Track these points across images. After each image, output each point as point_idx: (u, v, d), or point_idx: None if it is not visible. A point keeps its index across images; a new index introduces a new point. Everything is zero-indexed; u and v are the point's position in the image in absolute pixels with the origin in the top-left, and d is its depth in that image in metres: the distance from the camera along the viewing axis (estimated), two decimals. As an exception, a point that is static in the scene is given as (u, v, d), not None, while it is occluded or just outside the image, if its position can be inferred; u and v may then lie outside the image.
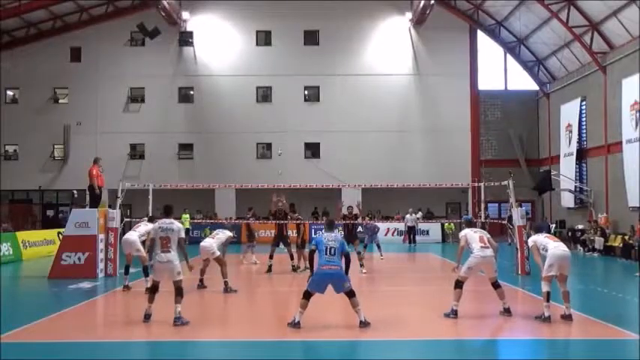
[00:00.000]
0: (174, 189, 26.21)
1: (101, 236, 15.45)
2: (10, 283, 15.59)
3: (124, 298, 12.67)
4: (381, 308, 11.02)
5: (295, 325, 8.82)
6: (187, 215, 26.77)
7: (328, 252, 9.03)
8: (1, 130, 32.79)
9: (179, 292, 9.18)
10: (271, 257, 16.24)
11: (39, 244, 22.21)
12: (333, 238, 9.25)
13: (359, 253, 16.17)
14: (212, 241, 12.89)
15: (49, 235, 23.44)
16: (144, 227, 13.40)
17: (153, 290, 9.39)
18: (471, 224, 10.82)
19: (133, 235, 13.19)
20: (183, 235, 9.43)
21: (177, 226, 9.39)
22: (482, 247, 9.94)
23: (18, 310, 10.99)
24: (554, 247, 9.63)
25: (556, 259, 9.49)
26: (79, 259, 15.14)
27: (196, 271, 11.82)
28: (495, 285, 10.11)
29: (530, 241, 10.13)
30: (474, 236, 10.15)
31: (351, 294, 9.02)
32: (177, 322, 9.01)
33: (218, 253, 12.74)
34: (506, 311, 9.97)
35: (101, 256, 15.36)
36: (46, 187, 33.26)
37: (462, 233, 10.39)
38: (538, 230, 10.54)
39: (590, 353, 7.89)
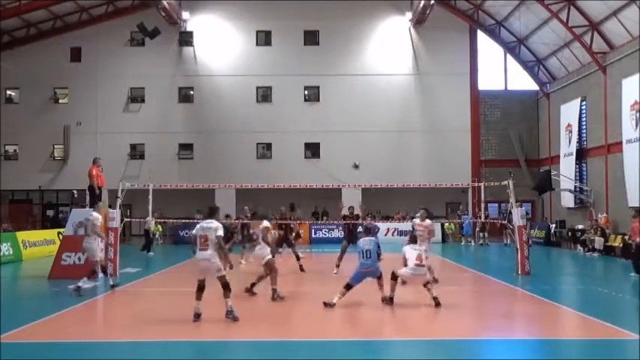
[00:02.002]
0: (174, 189, 26.24)
1: (101, 236, 15.42)
2: (10, 283, 15.58)
3: (125, 298, 12.66)
4: (381, 308, 11.01)
5: (331, 305, 10.50)
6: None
7: (364, 255, 10.95)
8: (1, 130, 32.79)
9: (226, 287, 9.52)
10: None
11: (39, 244, 22.20)
12: (367, 242, 11.08)
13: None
14: (260, 246, 12.05)
15: (49, 235, 23.44)
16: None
17: (199, 289, 9.64)
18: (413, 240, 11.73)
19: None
20: (220, 233, 9.60)
21: (216, 225, 9.60)
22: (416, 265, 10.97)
23: (18, 310, 10.99)
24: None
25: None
26: (79, 259, 15.12)
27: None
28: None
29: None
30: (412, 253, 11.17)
31: (379, 277, 11.11)
32: (228, 316, 9.43)
33: (269, 257, 12.02)
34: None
35: (101, 255, 15.32)
36: (46, 187, 33.26)
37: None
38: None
39: (590, 353, 7.88)
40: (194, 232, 9.74)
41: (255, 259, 12.12)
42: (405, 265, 11.05)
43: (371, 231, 11.60)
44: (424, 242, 12.73)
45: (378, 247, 11.16)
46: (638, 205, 22.56)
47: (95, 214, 13.39)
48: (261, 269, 12.15)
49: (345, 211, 16.82)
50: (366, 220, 17.76)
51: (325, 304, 10.54)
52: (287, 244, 16.62)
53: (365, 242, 11.14)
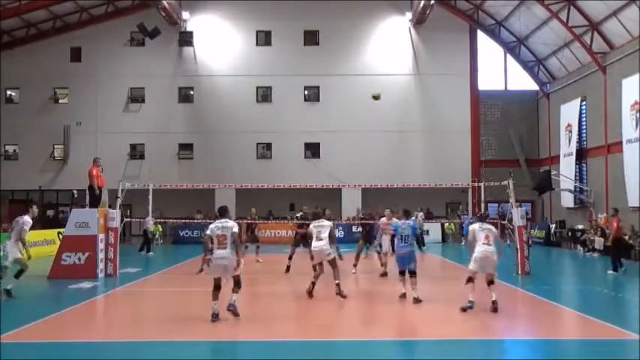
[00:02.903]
0: (174, 189, 26.24)
1: (101, 236, 15.43)
2: (10, 283, 15.54)
3: (124, 298, 12.67)
4: (382, 308, 11.03)
5: (403, 296, 11.14)
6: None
7: (403, 240, 11.22)
8: (1, 130, 32.78)
9: (237, 284, 9.60)
10: (290, 258, 16.27)
11: (39, 244, 22.18)
12: (406, 225, 11.35)
13: (378, 252, 16.28)
14: (323, 243, 11.65)
15: (49, 235, 23.42)
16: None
17: (216, 288, 9.61)
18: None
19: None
20: (236, 230, 9.77)
21: (232, 223, 9.82)
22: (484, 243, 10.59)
23: (18, 310, 10.98)
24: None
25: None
26: (79, 259, 15.11)
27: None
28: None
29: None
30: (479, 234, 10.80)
31: (412, 274, 11.09)
32: (230, 308, 9.39)
33: (333, 255, 11.81)
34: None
35: (101, 256, 15.34)
36: (46, 187, 33.25)
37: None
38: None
39: (590, 353, 7.88)
40: (209, 232, 9.78)
41: (317, 255, 11.76)
42: (472, 245, 10.77)
43: (409, 213, 11.98)
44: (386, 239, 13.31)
45: (415, 230, 11.62)
46: (638, 205, 22.61)
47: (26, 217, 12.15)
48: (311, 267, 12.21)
49: (360, 214, 17.21)
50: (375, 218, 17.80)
51: (400, 297, 11.19)
52: (304, 244, 16.67)
53: (403, 226, 11.37)
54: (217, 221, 9.95)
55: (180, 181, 29.23)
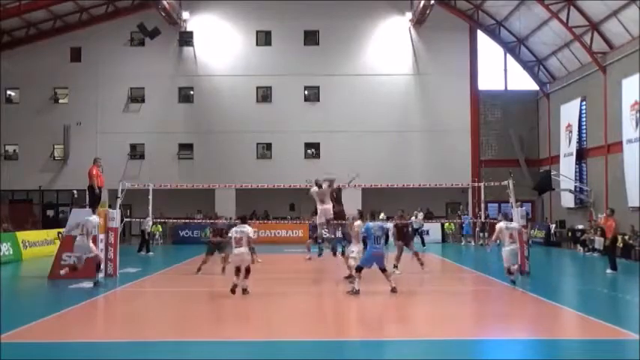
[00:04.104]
0: (174, 189, 26.22)
1: (101, 236, 15.40)
2: (10, 283, 15.59)
3: (124, 298, 12.68)
4: (382, 308, 11.04)
5: (356, 292, 11.69)
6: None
7: (377, 240, 11.92)
8: (1, 130, 32.78)
9: (248, 272, 12.24)
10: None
11: (39, 244, 22.20)
12: (377, 227, 12.07)
13: (415, 252, 16.83)
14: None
15: (49, 235, 23.43)
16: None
17: (237, 271, 12.13)
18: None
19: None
20: (252, 235, 12.39)
21: (248, 228, 12.40)
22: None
23: (18, 310, 10.99)
24: None
25: None
26: (79, 259, 15.08)
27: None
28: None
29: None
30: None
31: (384, 270, 12.14)
32: (245, 292, 12.00)
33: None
34: None
35: (101, 256, 15.32)
36: (46, 187, 33.25)
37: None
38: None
39: (590, 353, 7.88)
40: (231, 234, 12.50)
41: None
42: (496, 241, 13.43)
43: (374, 215, 12.75)
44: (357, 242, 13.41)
45: (383, 229, 12.30)
46: (638, 205, 22.61)
47: (95, 217, 14.03)
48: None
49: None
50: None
51: (349, 293, 11.79)
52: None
53: (375, 227, 12.03)
54: (237, 226, 12.55)
55: (180, 181, 29.20)
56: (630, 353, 7.76)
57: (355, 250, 13.14)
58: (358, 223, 13.45)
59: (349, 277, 13.37)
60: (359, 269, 12.09)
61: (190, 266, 17.76)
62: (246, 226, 12.49)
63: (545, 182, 27.87)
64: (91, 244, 13.74)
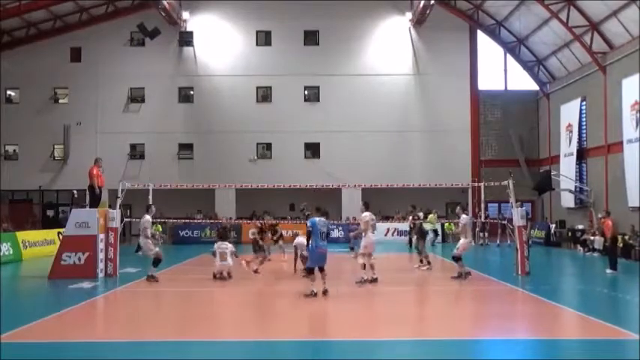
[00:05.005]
0: (175, 189, 26.23)
1: (101, 236, 15.43)
2: (10, 283, 15.58)
3: (125, 298, 12.68)
4: (382, 308, 11.03)
5: (314, 295, 11.29)
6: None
7: (322, 237, 11.43)
8: (1, 130, 32.78)
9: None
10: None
11: (39, 244, 22.19)
12: (323, 223, 11.64)
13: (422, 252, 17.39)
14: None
15: (49, 235, 23.41)
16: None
17: (220, 274, 14.39)
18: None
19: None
20: (233, 249, 14.52)
21: (229, 246, 14.65)
22: None
23: (18, 310, 10.98)
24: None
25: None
26: (79, 259, 15.11)
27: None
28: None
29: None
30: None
31: (322, 270, 11.68)
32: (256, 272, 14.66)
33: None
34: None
35: (101, 256, 15.33)
36: (46, 187, 33.27)
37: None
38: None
39: (590, 353, 7.88)
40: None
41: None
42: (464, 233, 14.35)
43: (321, 210, 12.10)
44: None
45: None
46: (638, 205, 22.61)
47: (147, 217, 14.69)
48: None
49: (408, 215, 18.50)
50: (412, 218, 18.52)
51: (306, 296, 11.28)
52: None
53: (321, 223, 11.58)
54: (218, 244, 14.53)
55: (180, 181, 29.21)
56: (630, 353, 7.76)
57: (363, 244, 13.65)
58: (366, 214, 13.55)
59: (375, 280, 13.54)
60: (309, 271, 11.57)
61: (191, 266, 17.79)
62: (226, 242, 14.66)
63: (545, 182, 27.87)
64: (148, 243, 14.40)
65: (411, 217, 18.28)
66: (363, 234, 13.68)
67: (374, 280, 13.42)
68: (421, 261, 17.14)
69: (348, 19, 33.07)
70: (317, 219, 11.66)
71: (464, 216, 14.78)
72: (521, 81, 34.09)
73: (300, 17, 33.12)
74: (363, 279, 13.23)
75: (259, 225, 16.76)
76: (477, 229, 28.47)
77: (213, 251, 14.74)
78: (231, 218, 29.22)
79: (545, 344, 8.45)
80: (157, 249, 14.70)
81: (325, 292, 11.58)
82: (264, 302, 12.01)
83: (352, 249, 18.42)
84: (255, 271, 15.41)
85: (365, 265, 13.65)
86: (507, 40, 33.35)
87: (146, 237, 14.38)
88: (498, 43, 33.72)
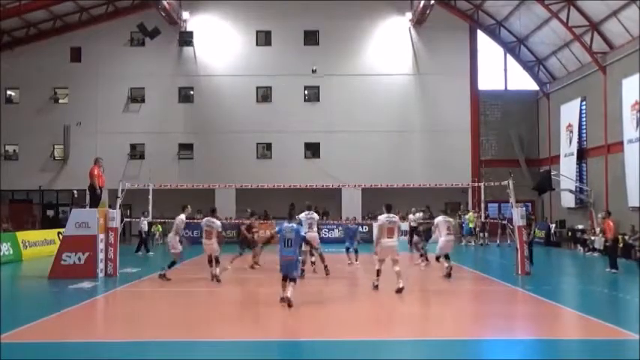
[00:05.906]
0: (174, 189, 26.20)
1: (101, 236, 15.42)
2: (10, 283, 15.58)
3: (125, 298, 12.67)
4: (381, 308, 11.02)
5: (286, 301, 10.38)
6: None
7: (286, 244, 10.56)
8: (1, 130, 32.77)
9: (217, 262, 13.97)
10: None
11: (39, 244, 22.19)
12: (290, 229, 10.62)
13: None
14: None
15: (49, 235, 23.41)
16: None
17: (209, 261, 14.08)
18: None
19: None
20: (220, 229, 14.00)
21: (217, 223, 13.95)
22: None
23: (18, 310, 10.99)
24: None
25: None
26: (79, 259, 15.11)
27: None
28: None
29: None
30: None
31: (292, 280, 10.55)
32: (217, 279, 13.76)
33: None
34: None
35: (101, 256, 15.33)
36: (46, 187, 33.25)
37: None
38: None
39: (590, 353, 7.89)
40: (202, 225, 13.95)
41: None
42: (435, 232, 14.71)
43: (292, 216, 11.24)
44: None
45: (300, 233, 10.80)
46: (638, 205, 22.61)
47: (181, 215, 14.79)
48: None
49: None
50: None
51: (282, 300, 10.53)
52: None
53: (288, 229, 10.62)
54: (207, 219, 13.85)
55: (180, 181, 29.18)
56: (630, 353, 7.75)
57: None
58: (382, 217, 12.86)
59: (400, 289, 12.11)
60: (284, 278, 10.64)
61: (191, 266, 17.77)
62: (215, 220, 13.66)
63: (545, 182, 27.85)
64: (176, 241, 14.56)
65: (425, 217, 19.03)
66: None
67: (399, 290, 12.00)
68: (422, 256, 18.24)
69: (348, 19, 33.06)
70: (285, 224, 10.75)
71: (439, 217, 15.33)
72: (521, 81, 34.10)
73: (300, 17, 33.12)
74: (375, 284, 12.48)
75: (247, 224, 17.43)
76: (477, 228, 28.49)
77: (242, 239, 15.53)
78: (231, 218, 29.20)
79: (546, 344, 8.45)
80: (180, 250, 14.68)
81: (284, 300, 10.49)
82: (264, 302, 12.01)
83: (348, 250, 18.16)
84: (251, 267, 16.43)
85: (379, 271, 12.60)
86: (507, 40, 33.35)
87: (176, 233, 14.62)
88: (498, 43, 33.72)
